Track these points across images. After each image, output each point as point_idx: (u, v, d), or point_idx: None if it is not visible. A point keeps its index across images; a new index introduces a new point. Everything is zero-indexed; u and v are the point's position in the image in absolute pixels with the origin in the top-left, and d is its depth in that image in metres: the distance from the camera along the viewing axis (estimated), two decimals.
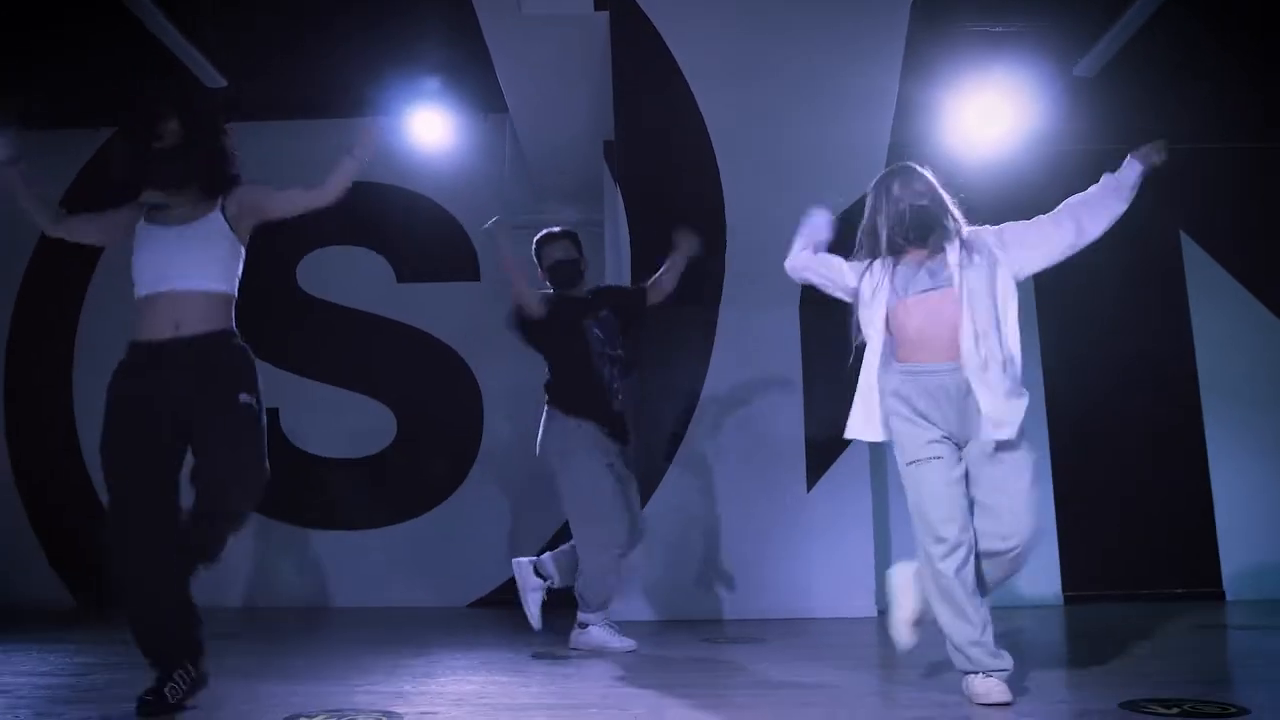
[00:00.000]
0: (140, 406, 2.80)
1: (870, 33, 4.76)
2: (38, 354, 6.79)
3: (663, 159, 5.07)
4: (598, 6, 4.60)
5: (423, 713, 2.71)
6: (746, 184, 5.14)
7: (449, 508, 6.51)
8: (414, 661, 3.81)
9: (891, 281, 3.03)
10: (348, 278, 6.74)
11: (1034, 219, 3.19)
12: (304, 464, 6.53)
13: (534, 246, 4.46)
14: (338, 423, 6.61)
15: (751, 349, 5.60)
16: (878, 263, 3.10)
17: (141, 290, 2.89)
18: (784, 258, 5.36)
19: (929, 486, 2.87)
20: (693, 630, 4.85)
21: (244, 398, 2.82)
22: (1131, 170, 3.19)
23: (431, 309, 6.72)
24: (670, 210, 5.27)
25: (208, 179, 2.95)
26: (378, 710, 2.74)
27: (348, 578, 6.41)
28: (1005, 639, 2.96)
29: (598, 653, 4.10)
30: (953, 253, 3.00)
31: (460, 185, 6.82)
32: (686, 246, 4.27)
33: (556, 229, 4.47)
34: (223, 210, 2.94)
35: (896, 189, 3.10)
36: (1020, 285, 6.05)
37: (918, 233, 3.03)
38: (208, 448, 2.80)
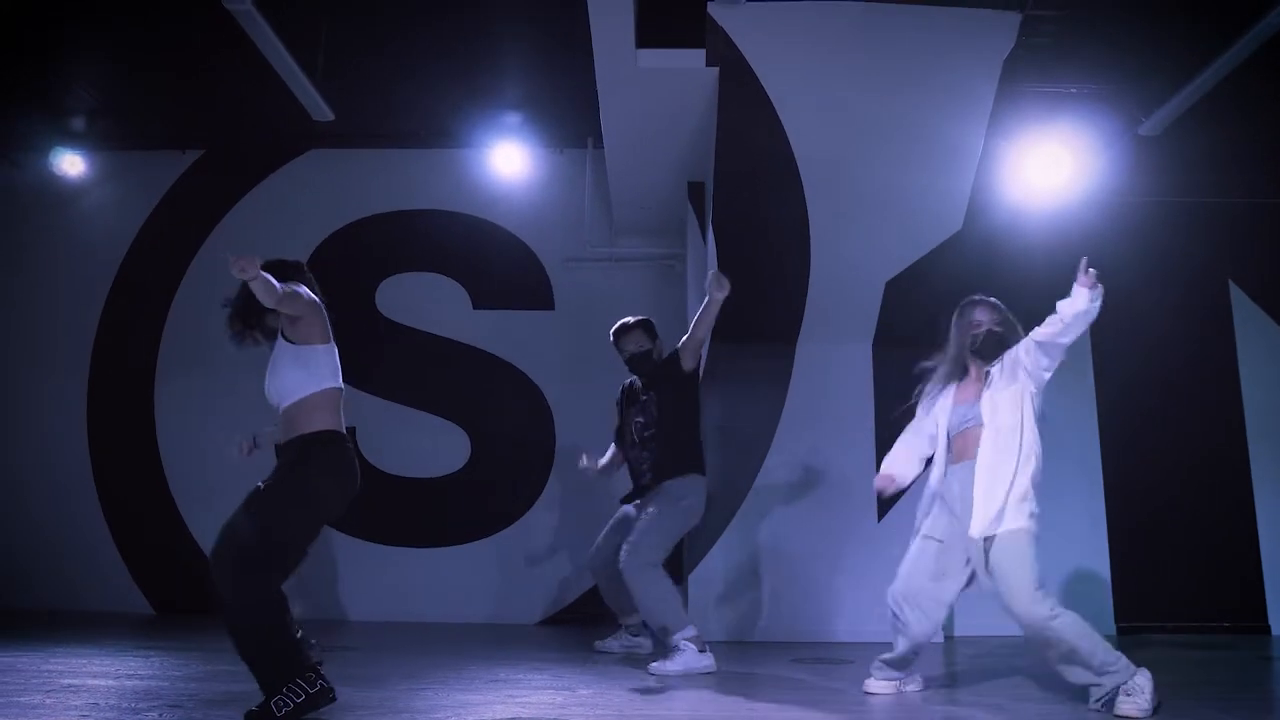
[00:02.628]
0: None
1: (960, 90, 5.03)
2: (121, 364, 7.00)
3: (755, 200, 5.34)
4: (709, 63, 4.88)
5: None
6: (831, 226, 5.41)
7: (520, 529, 6.72)
8: (507, 674, 4.02)
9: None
10: (425, 303, 6.98)
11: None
12: (381, 483, 6.73)
13: (612, 337, 4.94)
14: (414, 443, 6.83)
15: (826, 383, 5.87)
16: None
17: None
18: (862, 297, 5.71)
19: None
20: (780, 651, 5.07)
21: (260, 484, 3.06)
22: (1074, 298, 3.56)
23: (506, 335, 6.96)
24: (757, 249, 5.56)
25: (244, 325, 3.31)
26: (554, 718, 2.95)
27: (417, 593, 6.59)
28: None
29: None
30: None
31: (536, 217, 7.09)
32: (718, 290, 4.43)
33: (631, 321, 4.90)
34: (281, 334, 3.23)
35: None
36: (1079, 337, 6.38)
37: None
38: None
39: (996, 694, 3.69)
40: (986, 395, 3.59)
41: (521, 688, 3.61)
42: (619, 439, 5.01)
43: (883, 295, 5.66)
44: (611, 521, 5.03)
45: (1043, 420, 3.67)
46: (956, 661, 4.81)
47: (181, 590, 6.59)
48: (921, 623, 3.63)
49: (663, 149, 5.77)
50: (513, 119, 6.78)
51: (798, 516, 5.75)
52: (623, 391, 5.02)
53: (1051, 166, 6.04)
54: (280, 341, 3.21)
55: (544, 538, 6.67)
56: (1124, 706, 3.18)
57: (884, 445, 5.63)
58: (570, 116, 6.77)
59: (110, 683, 3.47)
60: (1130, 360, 6.47)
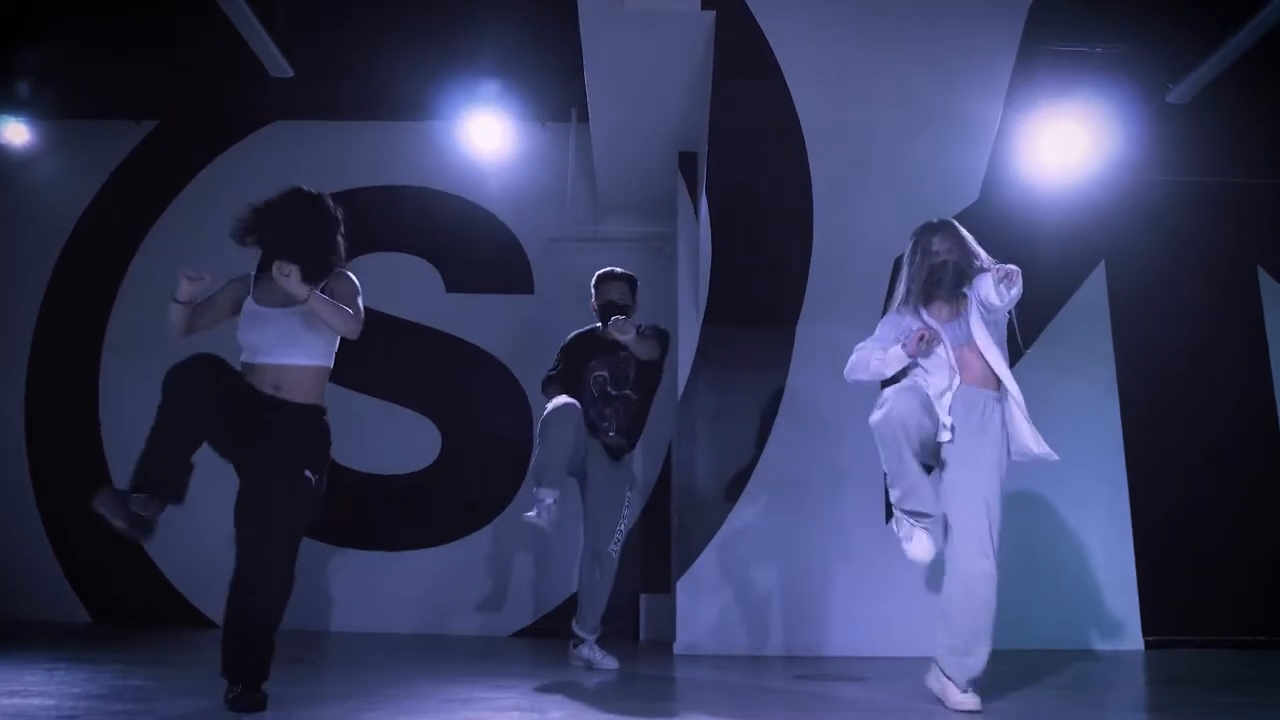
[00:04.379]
0: (217, 395, 2.88)
1: (979, 58, 4.62)
2: (63, 354, 6.47)
3: (754, 167, 4.85)
4: (704, 5, 4.39)
5: None
6: (838, 199, 4.94)
7: (494, 531, 6.20)
8: (467, 694, 3.50)
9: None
10: (394, 285, 6.44)
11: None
12: (342, 480, 6.16)
13: (594, 280, 4.70)
14: (378, 437, 6.29)
15: (830, 368, 5.34)
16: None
17: (250, 359, 3.10)
18: (868, 274, 5.21)
19: None
20: (779, 667, 4.57)
21: (309, 474, 3.01)
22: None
23: (481, 321, 6.45)
24: (757, 221, 5.07)
25: (313, 268, 3.09)
26: None
27: (383, 601, 6.05)
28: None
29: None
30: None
31: (515, 194, 6.60)
32: (621, 335, 4.22)
33: (619, 270, 4.69)
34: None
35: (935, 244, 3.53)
36: (1097, 320, 5.93)
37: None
38: (257, 511, 2.94)
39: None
40: (974, 320, 3.47)
41: (481, 708, 3.08)
42: (568, 387, 4.54)
43: (891, 272, 5.15)
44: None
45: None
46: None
47: (120, 598, 6.05)
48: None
49: (652, 112, 5.29)
50: (490, 87, 6.25)
51: (798, 516, 5.25)
52: (579, 339, 4.67)
53: (1073, 137, 5.57)
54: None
55: (520, 541, 6.12)
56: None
57: None
58: (553, 86, 6.29)
59: None
60: (1153, 352, 5.98)
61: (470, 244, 6.55)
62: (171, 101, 6.51)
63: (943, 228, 3.55)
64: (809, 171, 4.86)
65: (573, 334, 4.74)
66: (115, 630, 5.60)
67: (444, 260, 6.54)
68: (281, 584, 2.94)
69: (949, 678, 3.30)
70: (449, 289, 6.53)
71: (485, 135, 6.35)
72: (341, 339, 3.19)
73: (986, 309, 3.42)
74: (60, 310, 6.53)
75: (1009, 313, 3.52)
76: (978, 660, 3.28)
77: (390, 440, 6.30)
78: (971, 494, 3.33)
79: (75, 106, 6.54)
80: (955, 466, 3.40)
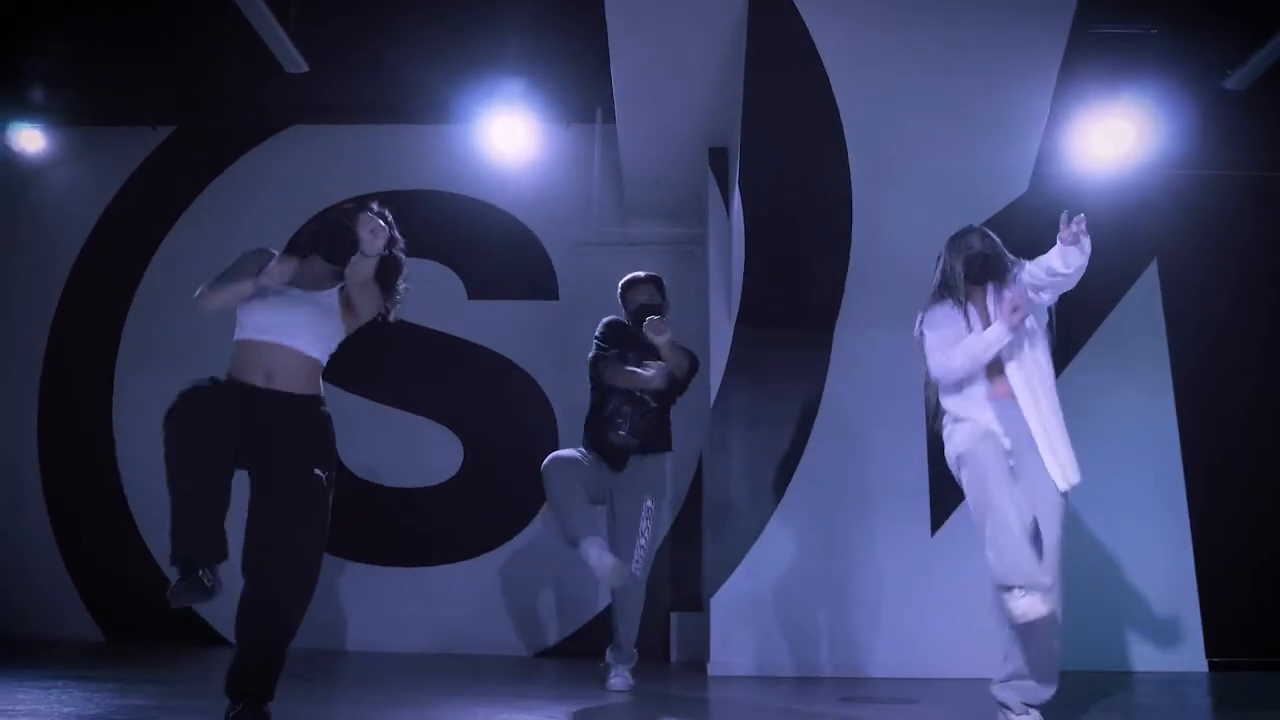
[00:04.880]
0: (212, 433, 2.75)
1: (1027, 43, 4.36)
2: (78, 365, 6.30)
3: (789, 160, 4.61)
4: None
5: None
6: (879, 194, 4.69)
7: (518, 545, 5.95)
8: (485, 715, 3.26)
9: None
10: (415, 292, 6.08)
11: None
12: (363, 494, 5.99)
13: (620, 289, 4.55)
14: (399, 449, 6.08)
15: (870, 373, 5.10)
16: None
17: (247, 335, 2.96)
18: (911, 273, 4.93)
19: None
20: (820, 688, 4.29)
21: (318, 472, 2.83)
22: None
23: (505, 328, 6.22)
24: (792, 217, 4.83)
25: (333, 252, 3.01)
26: None
27: (403, 619, 5.82)
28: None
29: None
30: None
31: (539, 198, 6.38)
32: (657, 335, 4.15)
33: (642, 274, 4.54)
34: (340, 292, 3.07)
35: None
36: (1150, 320, 5.63)
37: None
38: (271, 520, 2.78)
39: None
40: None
41: None
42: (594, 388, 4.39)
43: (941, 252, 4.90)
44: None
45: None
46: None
47: (136, 616, 5.85)
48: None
49: (682, 106, 5.05)
50: (513, 88, 6.06)
51: (837, 530, 4.98)
52: (614, 326, 4.45)
53: (1125, 127, 5.29)
54: (333, 297, 3.04)
55: (545, 555, 5.84)
56: None
57: (937, 445, 4.92)
58: (577, 86, 6.10)
59: None
60: (1210, 355, 5.66)
61: (493, 249, 6.34)
62: (188, 106, 6.38)
63: (976, 229, 3.51)
64: (848, 164, 4.61)
65: (609, 319, 4.52)
66: (126, 648, 5.41)
67: (466, 266, 6.34)
68: (300, 595, 2.78)
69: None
70: (471, 296, 6.32)
71: (508, 137, 6.17)
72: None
73: (1040, 287, 3.23)
74: (75, 319, 6.39)
75: (1050, 312, 3.38)
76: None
77: (411, 453, 6.09)
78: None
79: (91, 112, 6.43)
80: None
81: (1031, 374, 3.23)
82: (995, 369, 3.26)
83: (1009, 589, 2.92)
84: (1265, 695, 4.39)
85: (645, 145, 5.44)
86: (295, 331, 2.94)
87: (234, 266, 2.98)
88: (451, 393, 6.18)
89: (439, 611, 5.84)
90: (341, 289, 3.05)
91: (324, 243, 2.99)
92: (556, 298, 6.29)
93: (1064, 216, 3.07)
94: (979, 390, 3.26)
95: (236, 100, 6.27)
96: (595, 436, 4.33)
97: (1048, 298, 3.29)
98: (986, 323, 3.32)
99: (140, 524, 6.03)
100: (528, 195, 6.37)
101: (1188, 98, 5.34)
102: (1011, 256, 3.40)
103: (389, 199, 6.26)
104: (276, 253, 2.99)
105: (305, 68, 5.26)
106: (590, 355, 4.44)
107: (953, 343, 3.33)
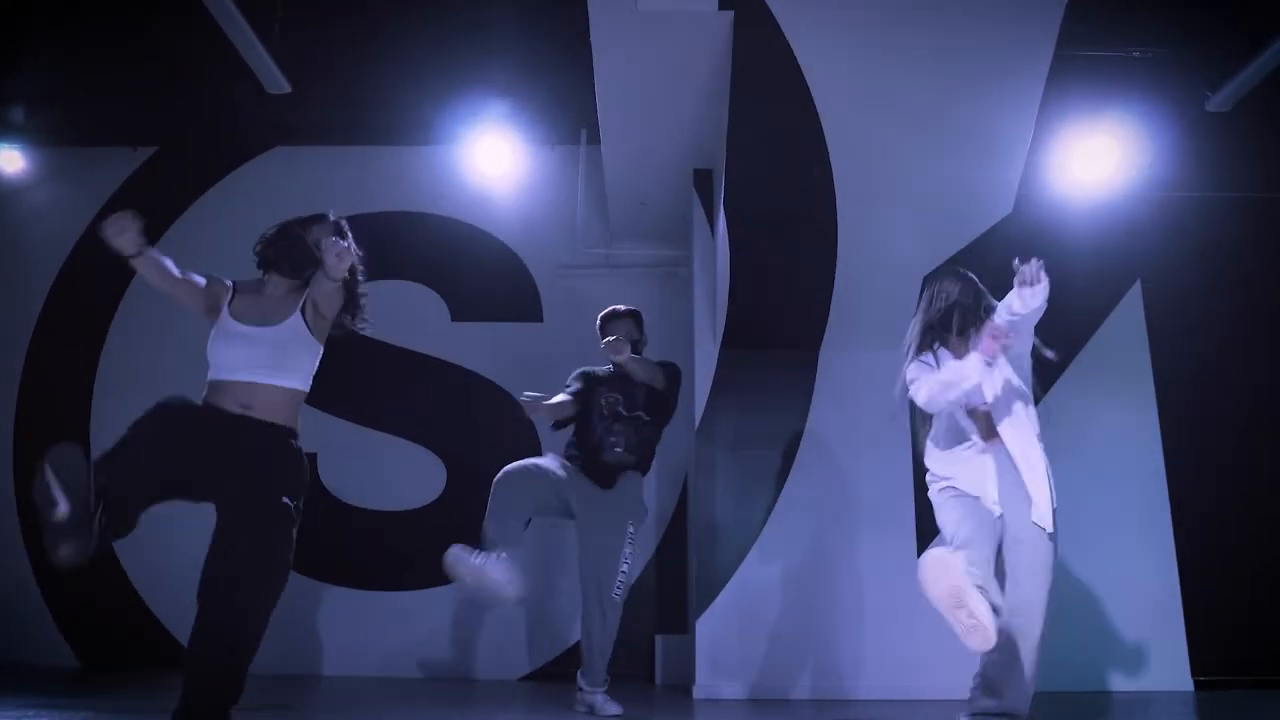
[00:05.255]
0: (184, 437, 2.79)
1: (1012, 65, 4.39)
2: (52, 406, 6.23)
3: (774, 181, 4.62)
4: (722, 5, 4.16)
5: None
6: (864, 216, 4.70)
7: None
8: None
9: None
10: (398, 314, 6.18)
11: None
12: (344, 517, 5.94)
13: (599, 322, 4.52)
14: (382, 472, 6.05)
15: (855, 395, 5.10)
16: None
17: (219, 376, 2.96)
18: (895, 294, 4.95)
19: None
20: (808, 711, 4.26)
21: (286, 500, 2.81)
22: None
23: (488, 350, 6.19)
24: (777, 239, 4.84)
25: (292, 267, 3.07)
26: None
27: (387, 643, 5.76)
28: None
29: None
30: None
31: (523, 219, 6.39)
32: (615, 355, 4.15)
33: (621, 308, 4.53)
34: (301, 312, 3.03)
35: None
36: (1134, 342, 5.67)
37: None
38: (227, 535, 2.76)
39: None
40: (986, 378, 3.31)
41: None
42: (580, 409, 4.32)
43: (919, 292, 4.91)
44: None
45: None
46: None
47: (112, 643, 5.76)
48: None
49: (666, 127, 5.06)
50: (497, 109, 6.07)
51: (823, 552, 4.97)
52: (585, 376, 4.42)
53: (1108, 148, 5.35)
54: (297, 323, 2.99)
55: (530, 579, 5.79)
56: None
57: (922, 466, 4.93)
58: (562, 108, 6.12)
59: None
60: (1194, 375, 5.69)
61: (477, 272, 6.33)
62: (169, 127, 6.35)
63: (953, 272, 3.57)
64: (833, 187, 4.61)
65: (581, 370, 4.50)
66: (101, 675, 5.31)
67: (449, 288, 6.32)
68: (258, 624, 2.75)
69: None
70: (455, 318, 6.30)
71: (492, 159, 6.17)
72: (321, 366, 3.08)
73: (1008, 334, 3.25)
74: (53, 341, 6.33)
75: (1031, 351, 3.42)
76: None
77: (393, 476, 6.05)
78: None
79: (71, 133, 6.40)
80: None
81: (1020, 424, 3.30)
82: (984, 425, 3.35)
83: None
84: (1250, 714, 4.39)
85: (630, 167, 5.44)
86: (272, 370, 2.94)
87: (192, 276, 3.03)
88: (434, 415, 6.14)
89: (419, 636, 5.78)
90: (302, 309, 3.02)
91: (282, 258, 3.02)
92: (541, 320, 6.27)
93: (1017, 261, 3.14)
94: (966, 449, 3.39)
95: (218, 121, 6.24)
96: (585, 458, 4.26)
97: (1013, 342, 3.28)
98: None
99: (118, 549, 5.93)
100: (512, 217, 6.37)
101: (1171, 119, 5.39)
102: (991, 301, 3.44)
103: (372, 220, 6.37)
104: (230, 283, 3.06)
105: (288, 88, 5.24)
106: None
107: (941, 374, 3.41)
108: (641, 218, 5.94)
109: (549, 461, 4.25)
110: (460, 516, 5.93)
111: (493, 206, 6.35)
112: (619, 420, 4.25)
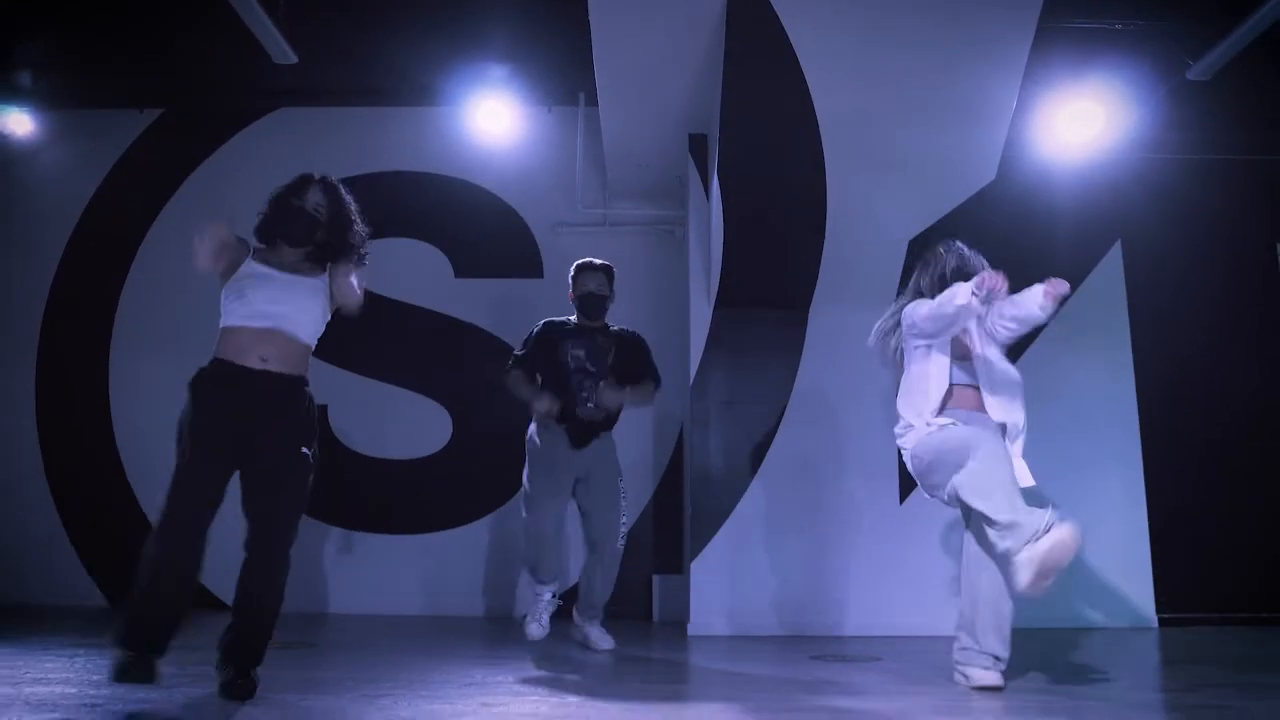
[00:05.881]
0: (216, 426, 2.93)
1: (996, 37, 4.54)
2: (73, 342, 6.46)
3: (766, 149, 4.80)
4: None
5: None
6: (852, 182, 4.89)
7: (506, 514, 6.19)
8: (483, 677, 3.51)
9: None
10: (403, 271, 6.42)
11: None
12: (355, 465, 6.22)
13: (571, 272, 4.63)
14: (389, 423, 6.30)
15: (842, 353, 5.34)
16: None
17: (234, 320, 3.03)
18: (882, 257, 5.18)
19: None
20: (794, 646, 4.56)
21: (306, 450, 3.01)
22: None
23: (491, 305, 6.41)
24: (769, 204, 5.04)
25: (320, 253, 3.16)
26: None
27: (395, 584, 6.07)
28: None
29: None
30: None
31: (523, 179, 6.55)
32: (609, 401, 4.41)
33: (597, 261, 4.61)
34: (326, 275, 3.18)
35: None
36: (1113, 300, 5.89)
37: None
38: (263, 489, 2.96)
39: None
40: (978, 356, 3.51)
41: (499, 693, 3.09)
42: (541, 370, 4.49)
43: (905, 255, 5.13)
44: (542, 496, 4.44)
45: None
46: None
47: (133, 577, 6.06)
48: None
49: (662, 94, 5.21)
50: (498, 72, 6.21)
51: (811, 498, 5.25)
52: (553, 326, 4.58)
53: (1091, 115, 5.51)
54: (322, 283, 3.14)
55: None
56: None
57: None
58: (560, 71, 6.24)
59: (7, 689, 2.93)
60: (1170, 332, 5.93)
61: (479, 229, 6.51)
62: (175, 89, 6.48)
63: (952, 245, 3.65)
64: (822, 153, 4.80)
65: (545, 321, 4.63)
66: None
67: (453, 245, 6.51)
68: (286, 568, 3.00)
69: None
70: (458, 274, 6.50)
71: (493, 120, 6.31)
72: (331, 321, 3.22)
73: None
74: (68, 300, 6.51)
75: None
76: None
77: (401, 426, 6.30)
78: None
79: (78, 96, 6.51)
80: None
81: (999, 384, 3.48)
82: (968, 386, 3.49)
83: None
84: (1208, 648, 4.73)
85: (627, 129, 5.60)
86: (291, 319, 3.03)
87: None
88: (440, 368, 6.38)
89: (427, 577, 6.08)
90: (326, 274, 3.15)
91: (286, 230, 3.08)
92: (541, 276, 6.47)
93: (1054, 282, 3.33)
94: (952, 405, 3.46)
95: (224, 83, 6.37)
96: (559, 417, 4.39)
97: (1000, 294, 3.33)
98: (965, 340, 3.52)
99: (136, 491, 6.23)
100: (512, 177, 6.53)
101: (1152, 88, 5.54)
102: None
103: (376, 180, 6.56)
104: (254, 245, 3.14)
105: (294, 59, 5.36)
106: (512, 355, 4.61)
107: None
108: (638, 178, 6.11)
109: (529, 464, 4.48)
110: (465, 464, 6.26)
111: (494, 166, 6.51)
112: (587, 377, 4.41)
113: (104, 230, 6.57)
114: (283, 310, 3.03)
